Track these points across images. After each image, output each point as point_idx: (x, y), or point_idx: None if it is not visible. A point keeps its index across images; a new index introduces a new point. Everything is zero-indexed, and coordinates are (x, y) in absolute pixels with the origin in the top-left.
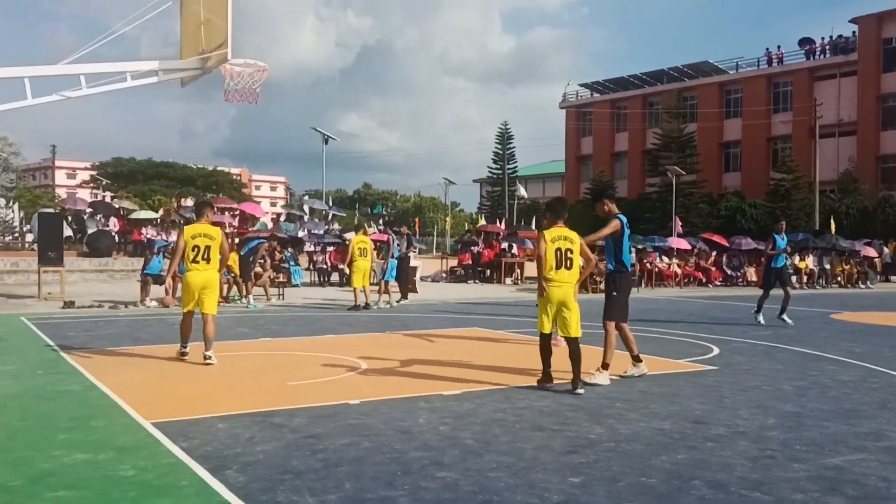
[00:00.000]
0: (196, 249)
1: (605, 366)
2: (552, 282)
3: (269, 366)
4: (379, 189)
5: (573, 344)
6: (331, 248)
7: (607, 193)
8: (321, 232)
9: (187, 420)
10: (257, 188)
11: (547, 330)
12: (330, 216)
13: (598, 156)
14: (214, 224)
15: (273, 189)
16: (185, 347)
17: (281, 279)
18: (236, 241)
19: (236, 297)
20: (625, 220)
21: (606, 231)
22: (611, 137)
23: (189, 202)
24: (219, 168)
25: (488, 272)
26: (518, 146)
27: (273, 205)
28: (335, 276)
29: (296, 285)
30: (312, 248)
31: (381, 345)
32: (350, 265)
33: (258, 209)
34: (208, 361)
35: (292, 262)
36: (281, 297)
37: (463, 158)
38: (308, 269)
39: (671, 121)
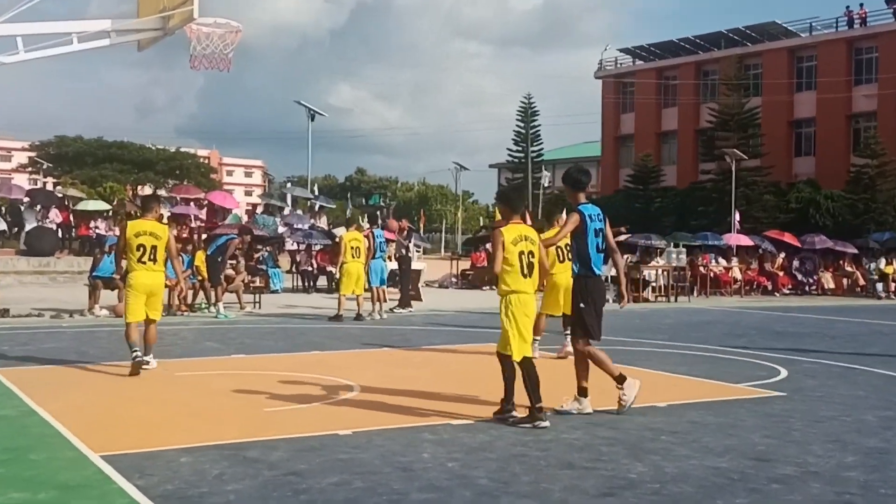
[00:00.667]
0: (141, 249)
1: (619, 378)
2: (520, 293)
3: (242, 388)
4: (376, 175)
5: (524, 367)
6: (317, 247)
7: (573, 179)
8: (306, 227)
9: (144, 453)
10: (229, 174)
11: (512, 351)
12: (317, 208)
13: (641, 136)
14: (179, 217)
15: (248, 175)
16: (136, 350)
17: (257, 284)
18: (203, 237)
19: (203, 305)
20: (591, 211)
21: (567, 228)
22: (657, 114)
23: (147, 190)
24: (183, 149)
25: None
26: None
27: (248, 194)
28: (322, 281)
29: (275, 291)
30: (295, 247)
31: (377, 363)
32: (340, 267)
33: (230, 199)
34: (146, 367)
35: (271, 264)
36: (257, 305)
37: (477, 139)
38: (290, 271)
39: (730, 94)
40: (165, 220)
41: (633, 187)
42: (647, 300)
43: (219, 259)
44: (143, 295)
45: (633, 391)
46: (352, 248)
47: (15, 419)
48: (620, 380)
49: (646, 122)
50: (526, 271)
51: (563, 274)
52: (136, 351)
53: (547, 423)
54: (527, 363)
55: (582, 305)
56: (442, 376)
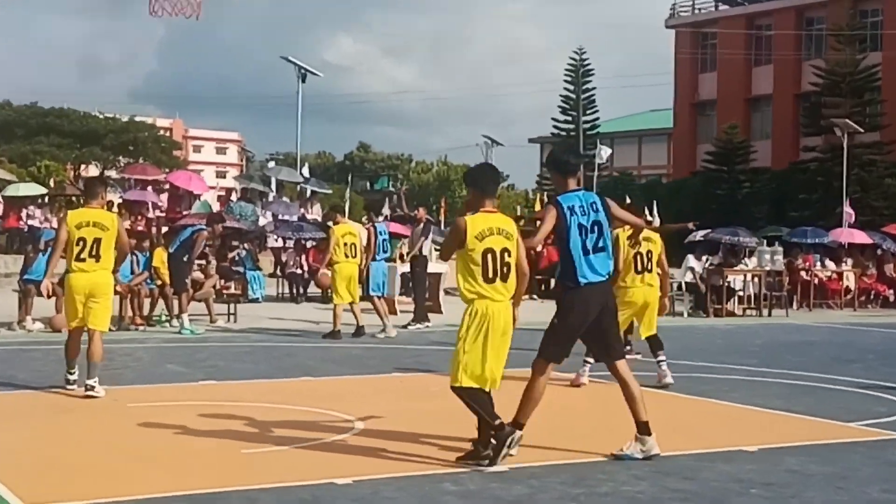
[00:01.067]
0: (81, 243)
1: (516, 424)
2: (484, 299)
3: (213, 424)
4: (383, 152)
5: (464, 396)
6: (310, 244)
7: (557, 161)
8: (294, 218)
9: None
10: (197, 150)
11: (472, 379)
12: (308, 194)
13: (725, 102)
14: (133, 205)
15: (221, 151)
16: (73, 373)
17: (232, 290)
18: (164, 230)
19: (163, 317)
20: (574, 201)
21: (544, 227)
22: (745, 74)
23: (93, 170)
24: (138, 119)
25: (551, 282)
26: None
27: (221, 175)
28: (315, 287)
29: (255, 300)
30: (281, 244)
31: (384, 393)
32: (330, 267)
33: (197, 181)
34: (90, 393)
35: (250, 265)
36: (231, 317)
37: (513, 106)
38: (274, 275)
39: (841, 48)
40: (116, 209)
41: (714, 168)
42: (732, 314)
43: (184, 258)
44: (81, 299)
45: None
46: (345, 244)
47: None
48: (514, 425)
49: (731, 84)
50: (492, 274)
51: (639, 289)
52: (73, 373)
53: (493, 468)
54: (470, 394)
55: (554, 321)
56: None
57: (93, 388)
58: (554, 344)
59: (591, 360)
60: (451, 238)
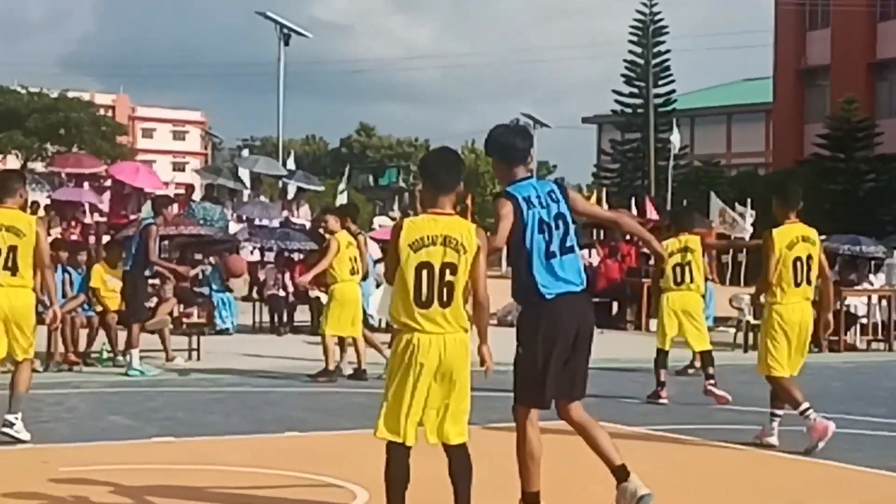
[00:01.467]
0: None
1: (528, 498)
2: (413, 331)
3: (172, 494)
4: (391, 137)
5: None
6: (295, 256)
7: (498, 144)
8: (276, 224)
9: None
10: (147, 134)
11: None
12: (291, 192)
13: (842, 69)
14: (64, 207)
15: (179, 136)
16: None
17: (194, 319)
18: (104, 240)
19: (104, 354)
20: (530, 191)
21: (502, 226)
22: (868, 31)
23: (11, 161)
24: (72, 94)
25: (614, 307)
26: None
27: (179, 168)
28: (303, 314)
29: (223, 331)
30: (257, 257)
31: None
32: (329, 290)
33: (147, 176)
34: (7, 431)
35: (217, 285)
36: (195, 354)
37: (562, 76)
38: (249, 298)
39: None
40: (41, 211)
41: (828, 156)
42: (853, 347)
43: (145, 274)
44: None
45: None
46: (350, 258)
47: None
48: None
49: (849, 45)
50: (426, 296)
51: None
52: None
53: None
54: (387, 451)
55: (519, 350)
56: (502, 473)
57: (12, 424)
58: (525, 383)
59: (780, 411)
60: (389, 248)
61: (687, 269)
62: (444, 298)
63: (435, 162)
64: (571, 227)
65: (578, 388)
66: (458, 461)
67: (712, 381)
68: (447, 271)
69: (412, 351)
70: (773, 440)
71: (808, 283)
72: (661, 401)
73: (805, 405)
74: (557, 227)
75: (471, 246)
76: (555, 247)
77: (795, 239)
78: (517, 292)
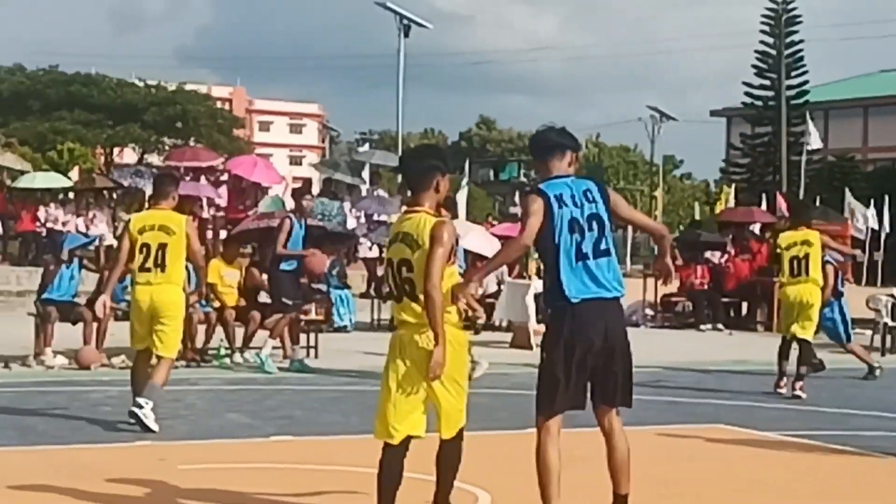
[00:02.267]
0: (145, 250)
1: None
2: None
3: (290, 493)
4: (512, 130)
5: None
6: None
7: (537, 140)
8: (394, 219)
9: None
10: (264, 127)
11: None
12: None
13: None
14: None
15: (295, 129)
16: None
17: (312, 316)
18: (222, 235)
19: (222, 351)
20: (558, 190)
21: (532, 219)
22: None
23: (130, 155)
24: (189, 86)
25: (743, 307)
26: (811, 41)
27: (296, 162)
28: None
29: (342, 328)
30: (376, 253)
31: (516, 455)
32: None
33: (265, 170)
34: (134, 410)
35: (335, 282)
36: (313, 351)
37: (691, 67)
38: (367, 295)
39: None
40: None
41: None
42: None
43: (284, 267)
44: (145, 318)
45: None
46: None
47: None
48: None
49: None
50: (396, 291)
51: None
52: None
53: None
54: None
55: (542, 356)
56: (657, 478)
57: (141, 407)
58: (542, 389)
59: None
60: None
61: (804, 262)
62: (408, 294)
63: (406, 160)
64: (608, 229)
65: (618, 395)
66: (446, 451)
67: (801, 384)
68: (403, 268)
69: (392, 349)
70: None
71: None
72: (778, 390)
73: None
74: (591, 229)
75: (424, 242)
76: (587, 248)
77: None
78: (544, 294)
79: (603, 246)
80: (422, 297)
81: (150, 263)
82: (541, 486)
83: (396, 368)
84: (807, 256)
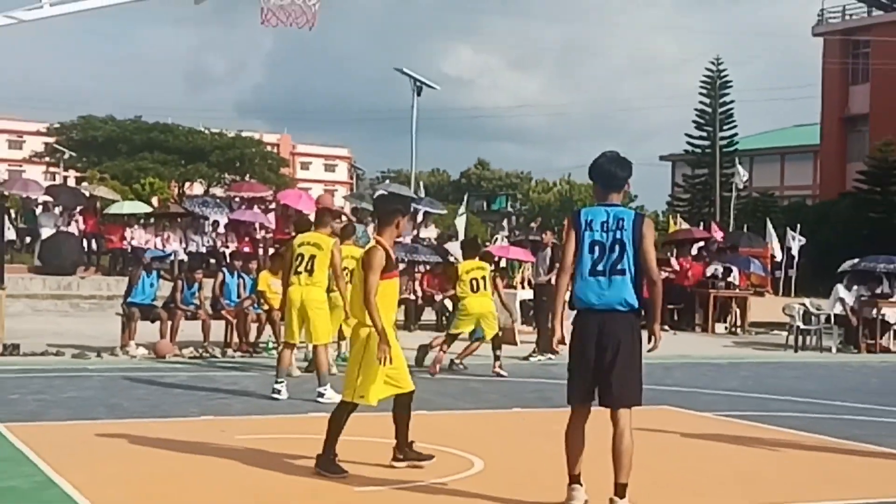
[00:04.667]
0: (299, 259)
1: (570, 478)
2: None
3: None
4: (501, 170)
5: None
6: (422, 268)
7: (601, 171)
8: (407, 240)
9: None
10: (304, 167)
11: None
12: (421, 214)
13: (879, 116)
14: (240, 225)
15: (329, 168)
16: (280, 384)
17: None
18: (271, 252)
19: (270, 344)
20: (595, 215)
21: (568, 243)
22: None
23: (198, 188)
24: (245, 134)
25: (684, 312)
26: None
27: (329, 192)
28: (429, 314)
29: None
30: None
31: (503, 430)
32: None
33: (307, 200)
34: (319, 400)
35: None
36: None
37: (646, 121)
38: None
39: None
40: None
41: (866, 189)
42: (887, 350)
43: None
44: (294, 312)
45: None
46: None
47: (28, 492)
48: (573, 480)
49: (886, 96)
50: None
51: None
52: (280, 382)
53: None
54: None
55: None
56: (597, 451)
57: (322, 395)
58: (568, 382)
59: None
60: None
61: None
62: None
63: (378, 203)
64: (629, 252)
65: (614, 398)
66: (399, 407)
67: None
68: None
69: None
70: None
71: None
72: None
73: None
74: (612, 250)
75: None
76: (603, 266)
77: None
78: (570, 298)
79: (620, 266)
80: (351, 298)
81: (301, 268)
82: (567, 457)
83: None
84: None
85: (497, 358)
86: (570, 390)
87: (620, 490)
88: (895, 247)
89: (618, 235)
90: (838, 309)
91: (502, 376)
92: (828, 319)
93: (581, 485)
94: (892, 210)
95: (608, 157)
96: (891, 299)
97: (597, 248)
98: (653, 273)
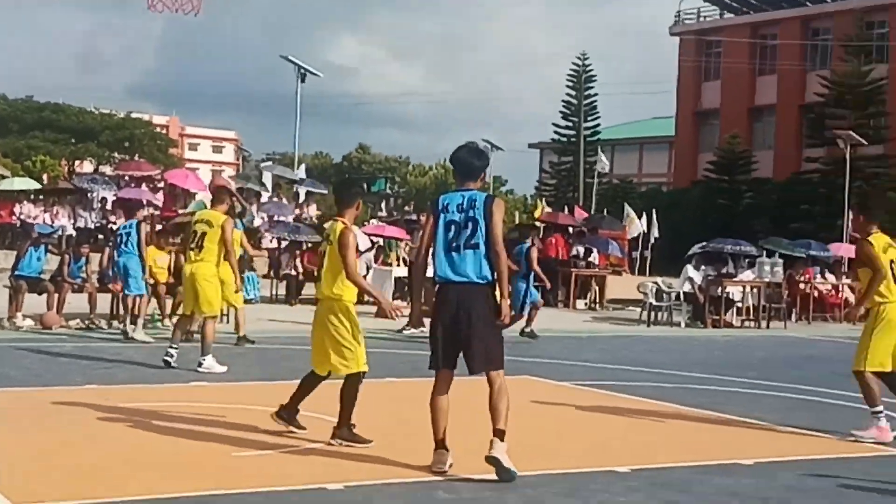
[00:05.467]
0: (193, 236)
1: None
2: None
3: (205, 426)
4: (381, 154)
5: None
6: (303, 247)
7: (458, 160)
8: (289, 219)
9: None
10: (192, 147)
11: None
12: (303, 195)
13: (728, 111)
14: (126, 203)
15: (217, 150)
16: (173, 349)
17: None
18: (158, 228)
19: (155, 317)
20: (449, 200)
21: (425, 226)
22: (749, 83)
23: (87, 166)
24: (135, 115)
25: (550, 289)
26: (604, 94)
27: (217, 172)
28: (311, 289)
29: (249, 301)
30: (275, 245)
31: (378, 398)
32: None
33: (194, 179)
34: (199, 369)
35: (245, 266)
36: (225, 318)
37: (521, 111)
38: (268, 276)
39: (848, 59)
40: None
41: (715, 178)
42: (730, 325)
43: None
44: (187, 284)
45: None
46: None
47: None
48: (438, 445)
49: (735, 93)
50: (317, 274)
51: None
52: (173, 348)
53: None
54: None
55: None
56: (462, 416)
57: (200, 364)
58: (431, 348)
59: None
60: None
61: None
62: (316, 277)
63: (340, 186)
64: (481, 228)
65: (476, 363)
66: (345, 387)
67: None
68: (324, 259)
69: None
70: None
71: None
72: None
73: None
74: (466, 227)
75: (335, 240)
76: (458, 242)
77: (887, 245)
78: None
79: (473, 241)
80: (329, 279)
81: (193, 244)
82: (432, 421)
83: (314, 327)
84: None
85: None
86: (432, 357)
87: (499, 434)
88: (740, 231)
89: (471, 214)
90: (687, 287)
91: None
92: (678, 297)
93: (447, 450)
94: (738, 197)
95: (468, 148)
96: (735, 279)
97: (452, 227)
98: (497, 245)
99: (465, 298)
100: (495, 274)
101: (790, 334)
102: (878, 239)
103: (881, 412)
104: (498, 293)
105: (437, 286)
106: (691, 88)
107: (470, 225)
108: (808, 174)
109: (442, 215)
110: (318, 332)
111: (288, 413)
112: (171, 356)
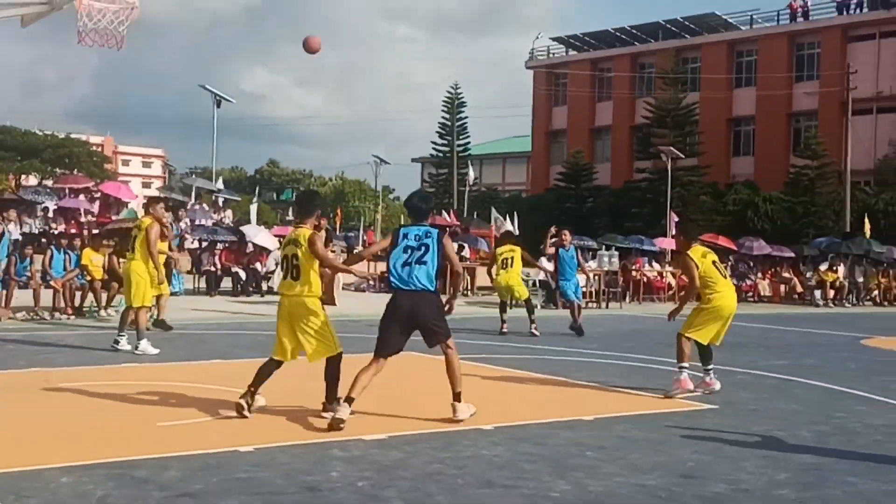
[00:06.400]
0: (131, 238)
1: (347, 399)
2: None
3: (133, 401)
4: (289, 168)
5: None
6: (220, 246)
7: (412, 208)
8: (209, 223)
9: (19, 472)
10: (125, 163)
11: None
12: (221, 202)
13: (573, 131)
14: (66, 212)
15: (146, 165)
16: (121, 337)
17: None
18: (93, 233)
19: (91, 309)
20: (409, 231)
21: (380, 243)
22: (590, 108)
23: (32, 179)
24: (73, 135)
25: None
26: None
27: (146, 186)
28: (227, 283)
29: (175, 293)
30: (197, 245)
31: (285, 375)
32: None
33: (125, 190)
34: (136, 352)
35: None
36: (153, 308)
37: (406, 130)
38: (191, 272)
39: (667, 88)
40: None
41: (564, 186)
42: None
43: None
44: (125, 280)
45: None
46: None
47: None
48: (346, 399)
49: (579, 116)
50: (286, 274)
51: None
52: (121, 336)
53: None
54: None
55: (383, 318)
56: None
57: (136, 347)
58: (379, 339)
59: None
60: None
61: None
62: (293, 276)
63: (301, 198)
64: (432, 251)
65: (431, 339)
66: (328, 369)
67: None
68: (294, 260)
69: (281, 309)
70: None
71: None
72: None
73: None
74: (419, 250)
75: (304, 245)
76: (411, 260)
77: (704, 252)
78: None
79: (423, 259)
80: (302, 276)
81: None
82: (355, 382)
83: (282, 320)
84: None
85: (532, 321)
86: (378, 347)
87: (457, 396)
88: (585, 228)
89: (425, 241)
90: (542, 276)
91: (535, 335)
92: (535, 284)
93: (349, 406)
94: (582, 201)
95: (418, 195)
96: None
97: (409, 250)
98: (456, 266)
99: (417, 301)
100: (438, 283)
101: (625, 313)
102: (696, 251)
103: (685, 367)
104: (452, 297)
105: (393, 292)
106: (544, 112)
107: (423, 248)
108: (638, 182)
109: (403, 241)
110: (286, 325)
111: (250, 397)
112: (119, 343)
